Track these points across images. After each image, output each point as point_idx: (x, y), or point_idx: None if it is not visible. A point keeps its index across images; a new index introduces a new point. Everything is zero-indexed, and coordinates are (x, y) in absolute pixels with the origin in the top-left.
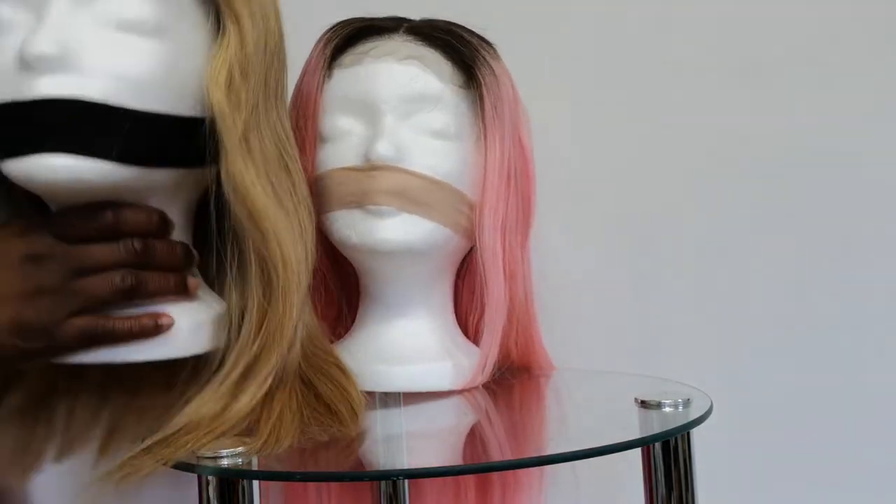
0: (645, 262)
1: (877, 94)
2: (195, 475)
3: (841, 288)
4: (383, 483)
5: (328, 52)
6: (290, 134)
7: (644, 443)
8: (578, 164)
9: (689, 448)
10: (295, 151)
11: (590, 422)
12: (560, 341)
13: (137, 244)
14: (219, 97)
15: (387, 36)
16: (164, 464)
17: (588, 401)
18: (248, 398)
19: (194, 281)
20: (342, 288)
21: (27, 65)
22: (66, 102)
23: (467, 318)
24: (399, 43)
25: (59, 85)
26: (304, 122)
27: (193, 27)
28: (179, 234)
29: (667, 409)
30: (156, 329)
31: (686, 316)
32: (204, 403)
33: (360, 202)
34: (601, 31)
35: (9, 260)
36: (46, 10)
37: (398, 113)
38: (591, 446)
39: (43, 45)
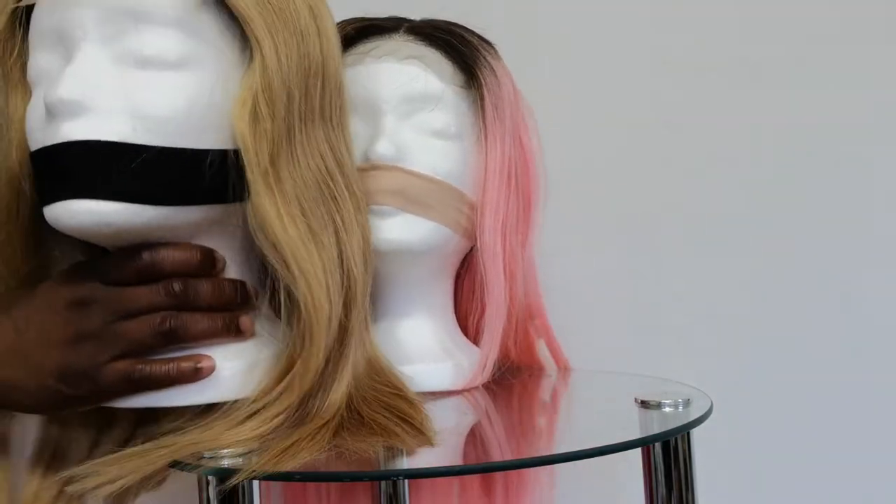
0: (645, 263)
1: (878, 93)
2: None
3: (841, 288)
4: (383, 483)
5: None
6: (344, 155)
7: (644, 443)
8: (578, 164)
9: (689, 448)
10: (348, 172)
11: (590, 422)
12: (560, 341)
13: (177, 285)
14: (242, 128)
15: (387, 36)
16: (142, 472)
17: (588, 401)
18: (248, 429)
19: (248, 320)
20: None
21: (51, 111)
22: (81, 145)
23: (467, 318)
24: (400, 43)
25: (76, 129)
26: None
27: (219, 57)
28: (236, 270)
29: (667, 409)
30: (195, 373)
31: (686, 316)
32: (206, 428)
33: None
34: (601, 30)
35: (55, 305)
36: (74, 56)
37: (399, 113)
38: (591, 446)
39: (62, 90)
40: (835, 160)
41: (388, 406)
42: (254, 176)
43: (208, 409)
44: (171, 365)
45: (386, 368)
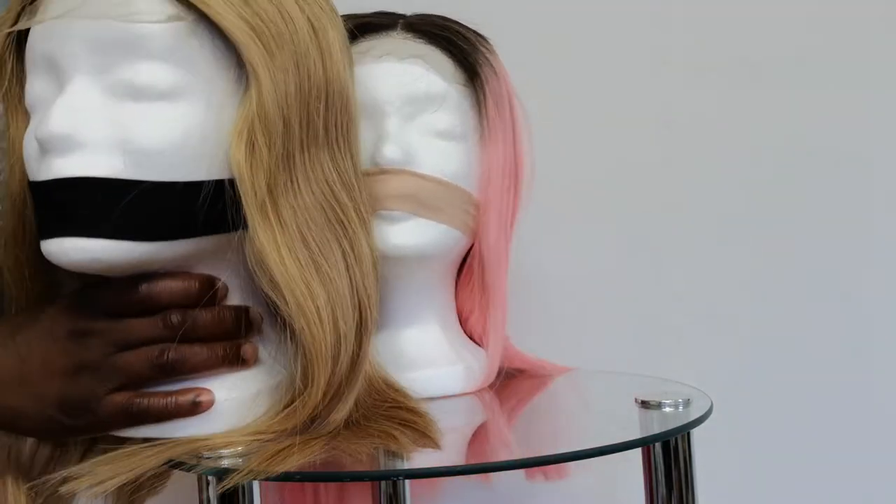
0: (645, 263)
1: (878, 94)
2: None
3: (841, 288)
4: (383, 483)
5: None
6: (351, 177)
7: (644, 443)
8: (578, 165)
9: (689, 448)
10: (356, 196)
11: (590, 422)
12: (560, 341)
13: (175, 316)
14: (238, 159)
15: (384, 33)
16: (135, 471)
17: (588, 401)
18: (247, 430)
19: (250, 348)
20: None
21: (42, 146)
22: (73, 182)
23: (468, 318)
24: (398, 41)
25: (68, 165)
26: None
27: (212, 85)
28: (239, 296)
29: (667, 409)
30: (193, 408)
31: (686, 316)
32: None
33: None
34: (601, 30)
35: (56, 334)
36: (65, 87)
37: (403, 114)
38: (591, 446)
39: (52, 125)
40: (835, 160)
41: (388, 417)
42: (250, 209)
43: None
44: (169, 399)
45: (384, 385)
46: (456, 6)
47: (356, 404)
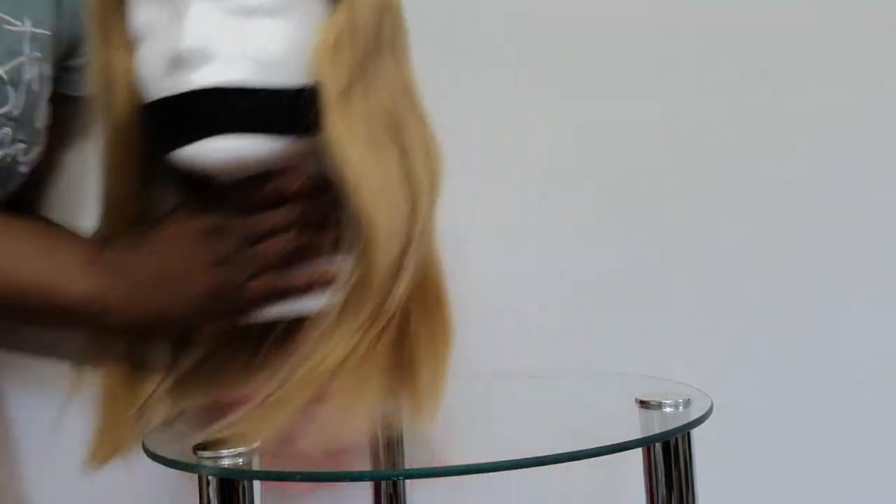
0: (645, 263)
1: (880, 96)
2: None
3: (843, 288)
4: (383, 483)
5: None
6: (409, 81)
7: (644, 443)
8: (578, 165)
9: (690, 448)
10: (414, 98)
11: (590, 422)
12: (560, 341)
13: (298, 209)
14: (322, 60)
15: None
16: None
17: (588, 401)
18: (341, 343)
19: (346, 236)
20: None
21: (177, 61)
22: (217, 89)
23: None
24: None
25: (206, 76)
26: None
27: (309, 3)
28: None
29: (667, 409)
30: (328, 282)
31: (686, 316)
32: (313, 349)
33: None
34: (604, 31)
35: (192, 235)
36: (185, 11)
37: None
38: (591, 446)
39: (188, 40)
40: (837, 161)
41: (430, 334)
42: (330, 105)
43: (287, 332)
44: (308, 277)
45: (436, 299)
46: (460, 8)
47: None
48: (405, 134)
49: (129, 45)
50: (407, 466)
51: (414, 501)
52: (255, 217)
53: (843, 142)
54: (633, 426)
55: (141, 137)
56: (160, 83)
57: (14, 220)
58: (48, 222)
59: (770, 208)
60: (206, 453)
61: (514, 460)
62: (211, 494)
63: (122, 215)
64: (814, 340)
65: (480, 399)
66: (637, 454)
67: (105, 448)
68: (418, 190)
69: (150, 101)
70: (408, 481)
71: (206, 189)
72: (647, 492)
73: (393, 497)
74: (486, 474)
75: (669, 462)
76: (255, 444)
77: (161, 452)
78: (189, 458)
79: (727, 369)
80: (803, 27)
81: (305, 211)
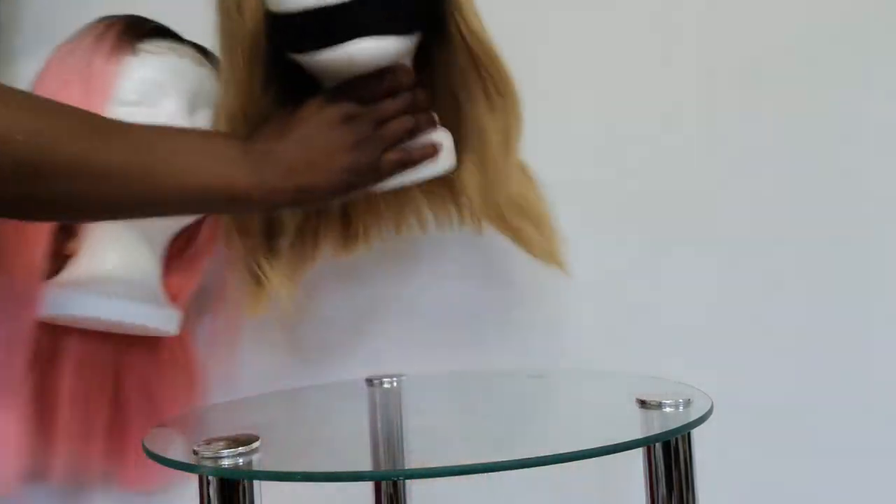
0: (645, 263)
1: (880, 93)
2: None
3: (841, 288)
4: (383, 483)
5: None
6: None
7: (644, 443)
8: (577, 165)
9: (690, 448)
10: None
11: (590, 422)
12: (561, 341)
13: (411, 96)
14: None
15: None
16: None
17: (588, 401)
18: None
19: (435, 115)
20: None
21: None
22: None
23: None
24: None
25: None
26: None
27: None
28: None
29: (667, 409)
30: (435, 151)
31: (686, 316)
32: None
33: None
34: (605, 30)
35: (331, 122)
36: None
37: None
38: (591, 446)
39: None
40: (837, 162)
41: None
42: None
43: None
44: (423, 149)
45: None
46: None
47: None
48: None
49: None
50: (407, 466)
51: (414, 501)
52: (381, 104)
53: (843, 138)
54: (633, 426)
55: (268, 43)
56: None
57: (181, 128)
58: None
59: (771, 206)
60: (207, 453)
61: (514, 460)
62: (211, 494)
63: (247, 118)
64: (814, 340)
65: (480, 398)
66: (637, 454)
67: (260, 298)
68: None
69: (292, 9)
70: (408, 481)
71: (326, 86)
72: (647, 492)
73: (393, 497)
74: (486, 474)
75: (669, 462)
76: (255, 444)
77: (161, 452)
78: (189, 458)
79: (727, 369)
80: (806, 19)
81: (415, 97)
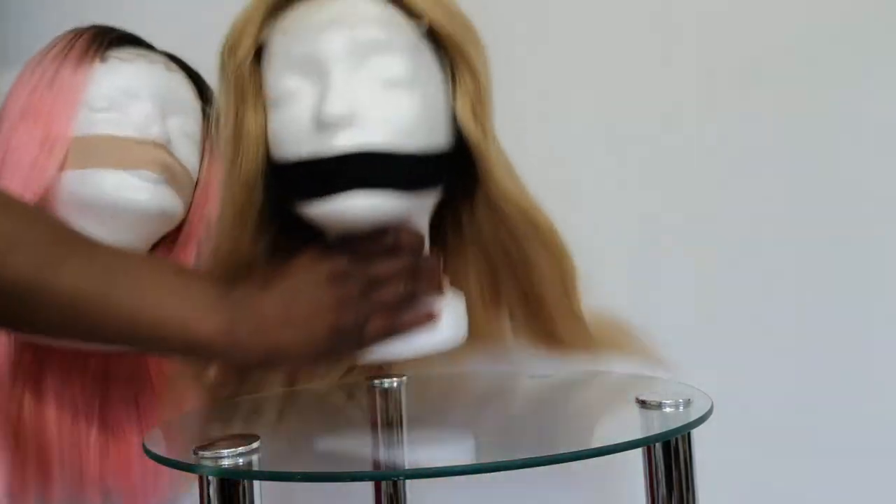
0: (645, 262)
1: (880, 93)
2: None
3: (841, 288)
4: (383, 483)
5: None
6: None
7: (644, 443)
8: (577, 164)
9: (690, 448)
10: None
11: (590, 422)
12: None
13: (412, 259)
14: (471, 127)
15: None
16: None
17: (588, 401)
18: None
19: (446, 281)
20: None
21: (324, 124)
22: (360, 151)
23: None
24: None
25: (352, 138)
26: None
27: (435, 75)
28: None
29: (667, 410)
30: (430, 321)
31: (686, 316)
32: None
33: None
34: (605, 30)
35: (319, 279)
36: (329, 79)
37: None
38: (591, 446)
39: (336, 107)
40: (837, 162)
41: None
42: (490, 163)
43: None
44: (414, 316)
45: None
46: (464, 6)
47: None
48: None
49: (263, 106)
50: (407, 466)
51: (414, 501)
52: (375, 264)
53: (844, 138)
54: (633, 426)
55: (264, 191)
56: (303, 144)
57: (154, 258)
58: (177, 263)
59: (771, 207)
60: (207, 453)
61: (514, 460)
62: (211, 494)
63: (233, 261)
64: (814, 340)
65: (481, 399)
66: (637, 454)
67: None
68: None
69: (290, 159)
70: (408, 481)
71: (326, 238)
72: (647, 492)
73: (393, 497)
74: (485, 474)
75: (669, 462)
76: (255, 444)
77: (161, 452)
78: (189, 458)
79: (727, 369)
80: (806, 18)
81: (418, 260)
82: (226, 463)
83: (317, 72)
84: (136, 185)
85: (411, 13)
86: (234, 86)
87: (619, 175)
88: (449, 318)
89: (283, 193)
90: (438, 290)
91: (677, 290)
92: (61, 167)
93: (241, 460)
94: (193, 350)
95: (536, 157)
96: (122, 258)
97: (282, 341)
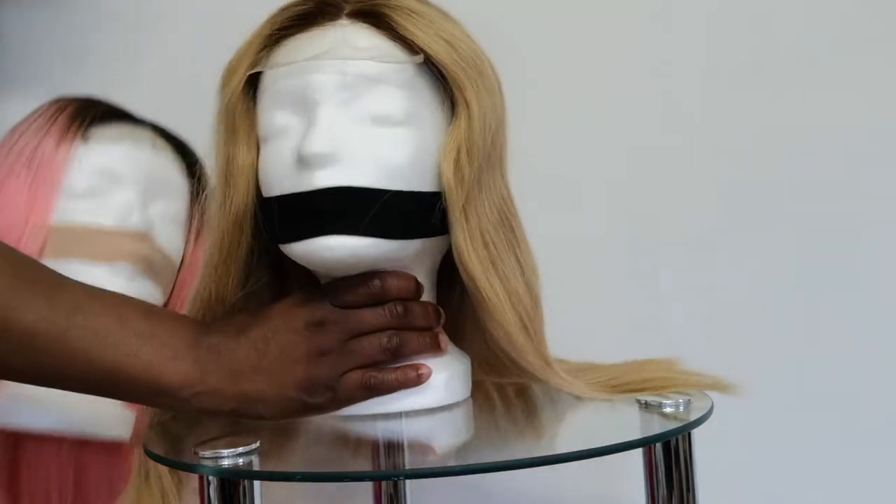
0: (645, 262)
1: (877, 92)
2: None
3: (842, 287)
4: (383, 483)
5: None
6: (511, 195)
7: (645, 443)
8: (578, 162)
9: (690, 448)
10: (515, 212)
11: (590, 422)
12: (560, 341)
13: (399, 308)
14: (448, 175)
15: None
16: None
17: (588, 401)
18: None
19: (444, 338)
20: None
21: (305, 162)
22: (339, 191)
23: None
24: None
25: (332, 177)
26: None
27: (432, 114)
28: (427, 294)
29: (667, 410)
30: (417, 378)
31: (686, 316)
32: None
33: None
34: (603, 29)
35: (295, 326)
36: (316, 115)
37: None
38: (591, 446)
39: (316, 145)
40: (837, 162)
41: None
42: (454, 215)
43: None
44: (398, 372)
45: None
46: (464, 8)
47: None
48: (519, 242)
49: (254, 142)
50: (407, 466)
51: (414, 501)
52: (358, 313)
53: (844, 138)
54: (633, 426)
55: (254, 229)
56: (285, 180)
57: (124, 297)
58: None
59: (771, 204)
60: (207, 453)
61: (514, 460)
62: (211, 494)
63: (222, 300)
64: (814, 341)
65: (480, 398)
66: (637, 454)
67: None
68: (537, 298)
69: (273, 195)
70: (408, 481)
71: (311, 281)
72: (647, 492)
73: (393, 497)
74: (485, 474)
75: (670, 462)
76: (255, 444)
77: (161, 453)
78: (189, 458)
79: (727, 369)
80: (803, 20)
81: (405, 311)
82: (226, 463)
83: (305, 108)
84: (108, 284)
85: (408, 47)
86: (226, 119)
87: (619, 173)
88: (444, 378)
89: (268, 232)
90: (432, 344)
91: (677, 291)
92: (40, 253)
93: (241, 460)
94: (159, 396)
95: (535, 156)
96: (89, 297)
97: (252, 391)
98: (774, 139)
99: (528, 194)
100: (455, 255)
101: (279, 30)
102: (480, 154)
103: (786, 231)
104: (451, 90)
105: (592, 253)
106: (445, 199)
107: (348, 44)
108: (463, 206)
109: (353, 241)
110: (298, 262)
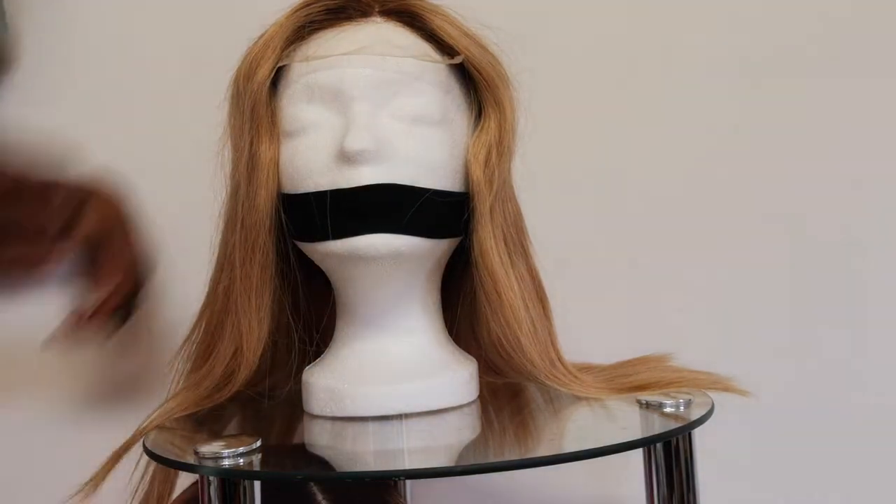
0: (645, 262)
1: (876, 92)
2: None
3: (842, 287)
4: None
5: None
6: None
7: (645, 443)
8: (577, 161)
9: (691, 448)
10: (520, 208)
11: (590, 422)
12: (560, 341)
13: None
14: (478, 175)
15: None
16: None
17: (588, 401)
18: None
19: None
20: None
21: (348, 158)
22: (384, 188)
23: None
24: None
25: (377, 174)
26: None
27: (461, 115)
28: (431, 296)
29: (668, 410)
30: None
31: (686, 315)
32: None
33: None
34: (602, 29)
35: None
36: (353, 112)
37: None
38: (591, 446)
39: (362, 141)
40: (837, 162)
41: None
42: (481, 215)
43: None
44: None
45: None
46: (466, 10)
47: None
48: (525, 240)
49: (276, 137)
50: (407, 466)
51: (414, 501)
52: None
53: (843, 133)
54: (634, 426)
55: (275, 225)
56: (319, 177)
57: None
58: None
59: (771, 204)
60: (207, 453)
61: (514, 460)
62: (211, 494)
63: (247, 295)
64: (815, 339)
65: (480, 399)
66: (637, 454)
67: None
68: (548, 303)
69: (306, 191)
70: (408, 481)
71: (311, 280)
72: (647, 492)
73: None
74: (485, 474)
75: (670, 462)
76: (256, 444)
77: (162, 453)
78: (189, 458)
79: (727, 369)
80: (800, 18)
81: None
82: (226, 463)
83: (340, 103)
84: None
85: (444, 47)
86: (250, 112)
87: (619, 171)
88: (449, 380)
89: (294, 229)
90: None
91: (677, 291)
92: None
93: (241, 460)
94: None
95: (535, 156)
96: None
97: None
98: (775, 139)
99: (527, 194)
100: (477, 255)
101: (305, 24)
102: (507, 155)
103: (786, 231)
104: (480, 91)
105: (593, 253)
106: (474, 199)
107: (386, 41)
108: (491, 206)
109: (396, 240)
110: (332, 259)
